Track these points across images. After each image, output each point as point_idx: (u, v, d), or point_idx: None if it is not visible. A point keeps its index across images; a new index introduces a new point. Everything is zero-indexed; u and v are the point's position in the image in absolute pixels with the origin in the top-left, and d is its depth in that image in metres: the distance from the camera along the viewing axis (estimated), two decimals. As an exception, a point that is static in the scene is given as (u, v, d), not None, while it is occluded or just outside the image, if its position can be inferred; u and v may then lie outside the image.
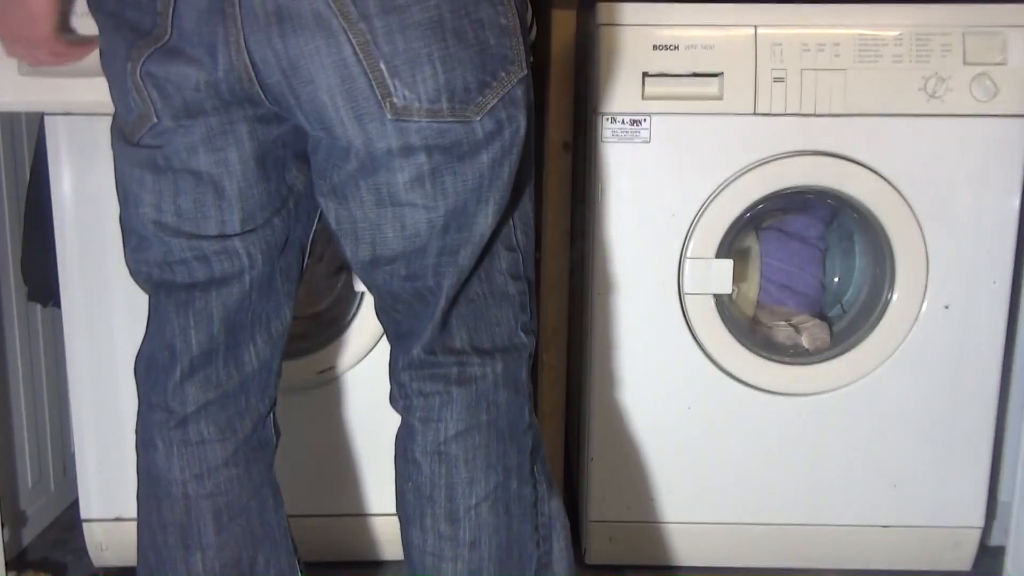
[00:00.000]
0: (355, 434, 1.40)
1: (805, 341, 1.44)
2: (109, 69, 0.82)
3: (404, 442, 0.92)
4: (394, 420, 1.39)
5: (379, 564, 1.45)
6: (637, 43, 1.29)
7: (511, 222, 0.85)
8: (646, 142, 1.32)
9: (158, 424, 0.91)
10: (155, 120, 0.79)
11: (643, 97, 1.30)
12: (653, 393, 1.38)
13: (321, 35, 0.72)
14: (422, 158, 0.75)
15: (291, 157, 0.84)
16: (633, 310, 1.36)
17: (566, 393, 1.49)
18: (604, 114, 1.31)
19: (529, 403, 0.90)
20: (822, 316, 1.48)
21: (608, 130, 1.31)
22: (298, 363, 1.35)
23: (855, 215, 1.40)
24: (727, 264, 1.33)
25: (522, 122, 0.79)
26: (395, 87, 0.72)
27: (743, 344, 1.37)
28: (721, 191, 1.32)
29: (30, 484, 1.51)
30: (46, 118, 1.29)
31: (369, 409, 1.39)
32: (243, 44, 0.73)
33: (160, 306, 0.89)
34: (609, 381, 1.39)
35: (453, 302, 0.84)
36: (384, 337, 1.35)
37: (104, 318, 1.34)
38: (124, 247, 0.89)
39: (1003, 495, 1.43)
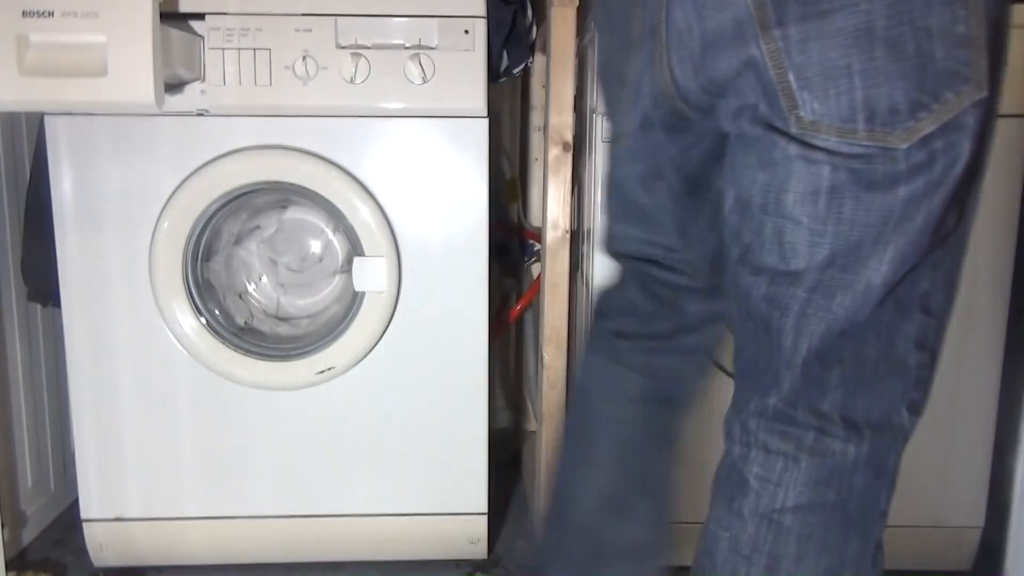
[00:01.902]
0: (355, 434, 1.40)
1: (805, 341, 1.43)
2: (605, 79, 0.94)
3: (730, 490, 0.81)
4: (393, 420, 1.40)
5: (379, 564, 1.45)
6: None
7: (933, 279, 0.72)
8: (646, 142, 1.32)
9: (600, 350, 1.00)
10: (624, 143, 0.88)
11: None
12: (653, 393, 1.38)
13: (736, 41, 0.68)
14: (825, 171, 0.67)
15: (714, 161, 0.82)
16: (633, 310, 1.36)
17: (566, 393, 1.49)
18: (604, 114, 1.31)
19: (890, 491, 0.80)
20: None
21: (608, 130, 1.31)
22: (298, 363, 1.35)
23: (855, 215, 1.39)
24: (727, 264, 1.33)
25: (963, 157, 0.66)
26: (803, 100, 0.66)
27: (743, 344, 1.36)
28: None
29: (30, 484, 1.51)
30: (46, 118, 1.29)
31: (369, 409, 1.39)
32: (666, 62, 0.74)
33: (623, 269, 0.99)
34: (609, 381, 1.38)
35: (823, 357, 0.73)
36: (384, 336, 1.36)
37: (104, 318, 1.34)
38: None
39: (1003, 495, 1.43)
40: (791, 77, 0.65)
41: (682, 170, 0.82)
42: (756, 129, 0.69)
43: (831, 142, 0.66)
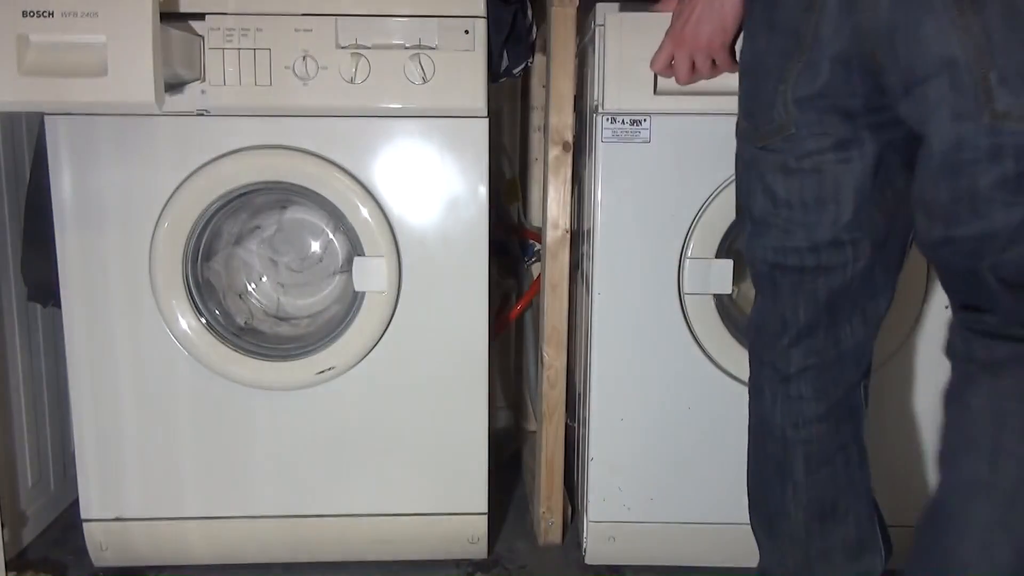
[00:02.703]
0: (355, 434, 1.40)
1: (805, 341, 1.43)
2: (755, 80, 0.97)
3: (958, 390, 0.90)
4: (393, 419, 1.40)
5: (380, 564, 1.45)
6: (642, 40, 1.29)
7: None
8: (646, 142, 1.32)
9: (767, 378, 1.07)
10: (792, 131, 0.93)
11: (655, 92, 1.29)
12: (653, 393, 1.38)
13: (936, 28, 0.78)
14: (1009, 165, 0.77)
15: (898, 161, 0.93)
16: (633, 310, 1.36)
17: (566, 393, 1.49)
18: (604, 114, 1.31)
19: None
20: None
21: (608, 130, 1.31)
22: (298, 363, 1.35)
23: (855, 215, 1.39)
24: (727, 264, 1.33)
25: None
26: (999, 95, 0.76)
27: (743, 344, 1.36)
28: (721, 191, 1.32)
29: (30, 484, 1.51)
30: (46, 118, 1.29)
31: (369, 409, 1.39)
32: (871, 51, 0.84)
33: (774, 283, 1.02)
34: (609, 381, 1.39)
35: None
36: (384, 336, 1.36)
37: (104, 318, 1.34)
38: (745, 232, 1.04)
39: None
40: (992, 76, 0.76)
41: (878, 142, 0.91)
42: (950, 120, 0.79)
43: (1018, 130, 0.76)
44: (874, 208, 0.95)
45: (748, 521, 1.42)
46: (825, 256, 0.97)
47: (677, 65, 1.15)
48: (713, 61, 1.14)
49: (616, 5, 1.30)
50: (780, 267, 1.01)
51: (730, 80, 1.29)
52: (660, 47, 1.17)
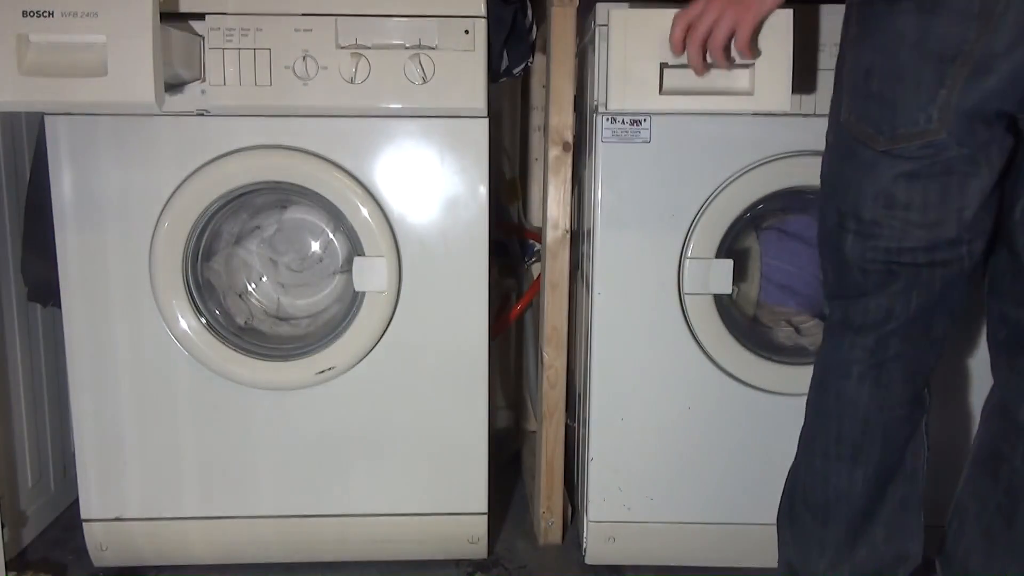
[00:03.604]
0: (355, 434, 1.40)
1: (806, 341, 1.44)
2: (894, 84, 0.94)
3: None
4: (393, 419, 1.40)
5: (379, 564, 1.45)
6: (647, 37, 1.29)
7: None
8: (646, 142, 1.32)
9: (858, 360, 1.07)
10: (940, 137, 0.92)
11: (661, 92, 1.25)
12: (653, 393, 1.38)
13: None
14: None
15: (1004, 169, 0.97)
16: (633, 310, 1.36)
17: (566, 393, 1.49)
18: (604, 114, 1.31)
19: None
20: (823, 316, 1.48)
21: (608, 130, 1.31)
22: (298, 363, 1.35)
23: (855, 215, 1.39)
24: (727, 264, 1.33)
25: None
26: None
27: (743, 344, 1.37)
28: (721, 191, 1.32)
29: (30, 484, 1.51)
30: (46, 118, 1.29)
31: (369, 409, 1.39)
32: None
33: (887, 277, 1.02)
34: (609, 381, 1.39)
35: None
36: (384, 336, 1.36)
37: (104, 318, 1.34)
38: (843, 232, 1.03)
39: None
40: None
41: (1004, 151, 0.95)
42: None
43: None
44: (989, 211, 0.98)
45: (749, 521, 1.42)
46: (941, 253, 0.99)
47: (696, 25, 1.12)
48: (727, 51, 1.12)
49: (621, 4, 1.30)
50: (895, 264, 1.01)
51: (732, 80, 1.29)
52: (688, 8, 1.13)
